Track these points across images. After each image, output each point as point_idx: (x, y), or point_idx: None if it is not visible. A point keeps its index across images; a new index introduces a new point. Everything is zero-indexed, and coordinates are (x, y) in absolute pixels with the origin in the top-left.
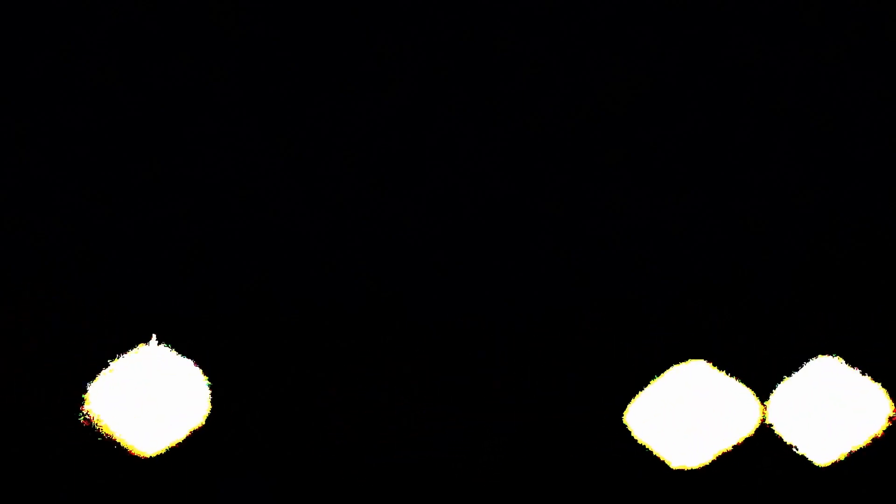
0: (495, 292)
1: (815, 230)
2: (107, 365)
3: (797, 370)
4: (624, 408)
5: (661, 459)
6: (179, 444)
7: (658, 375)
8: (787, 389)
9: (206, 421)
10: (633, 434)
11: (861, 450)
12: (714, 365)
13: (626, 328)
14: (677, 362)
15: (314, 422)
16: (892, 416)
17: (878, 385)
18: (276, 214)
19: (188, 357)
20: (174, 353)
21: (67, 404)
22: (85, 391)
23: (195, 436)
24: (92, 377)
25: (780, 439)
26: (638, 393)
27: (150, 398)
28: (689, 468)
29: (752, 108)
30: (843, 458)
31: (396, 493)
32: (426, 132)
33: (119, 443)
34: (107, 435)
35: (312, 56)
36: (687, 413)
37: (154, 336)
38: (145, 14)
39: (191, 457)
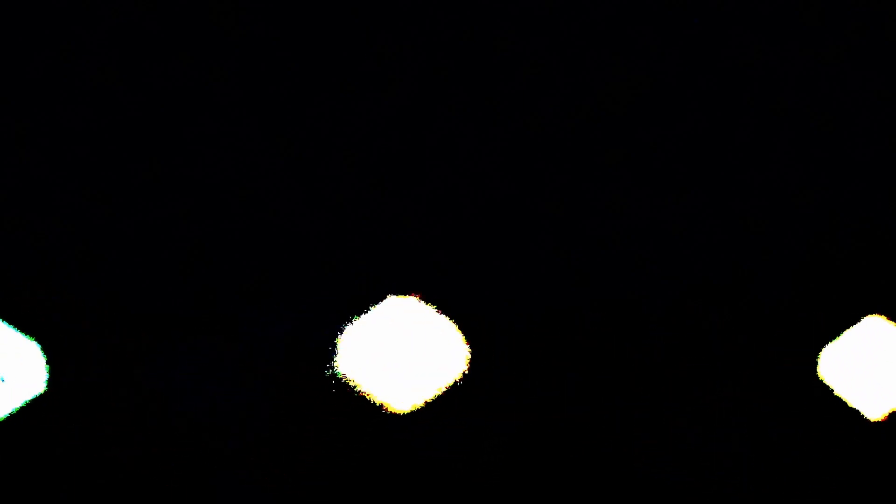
0: (495, 292)
1: (815, 230)
2: (108, 364)
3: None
4: (624, 408)
5: (660, 460)
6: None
7: (658, 375)
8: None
9: (202, 421)
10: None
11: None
12: (713, 364)
13: (626, 328)
14: (677, 362)
15: (313, 422)
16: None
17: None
18: (276, 214)
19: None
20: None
21: (68, 405)
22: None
23: (191, 436)
24: (92, 377)
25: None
26: (637, 393)
27: (400, 353)
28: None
29: (752, 108)
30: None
31: (396, 492)
32: (426, 132)
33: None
34: (359, 393)
35: (312, 56)
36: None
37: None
38: (145, 14)
39: (187, 456)
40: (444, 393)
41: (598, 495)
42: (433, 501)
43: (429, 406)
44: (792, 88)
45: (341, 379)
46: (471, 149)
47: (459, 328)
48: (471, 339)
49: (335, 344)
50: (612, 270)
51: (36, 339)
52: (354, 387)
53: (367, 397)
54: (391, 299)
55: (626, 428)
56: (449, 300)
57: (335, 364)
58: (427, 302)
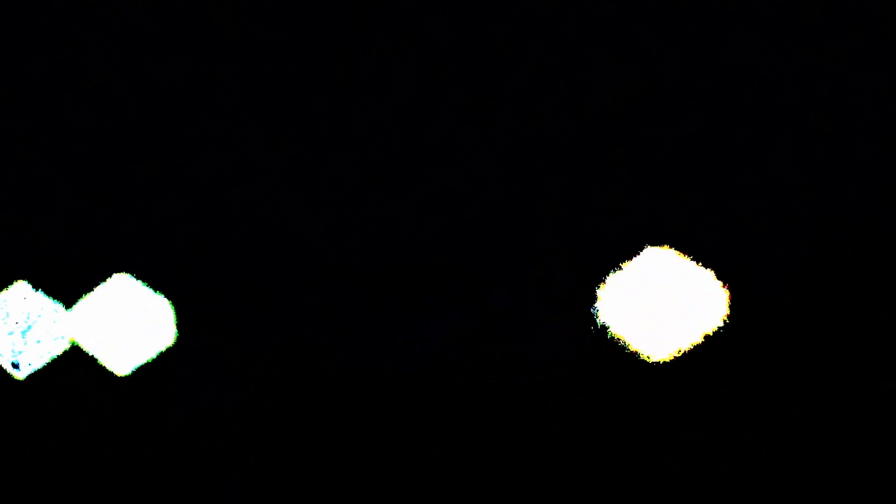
0: (495, 291)
1: (816, 230)
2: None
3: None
4: (624, 406)
5: (660, 460)
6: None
7: (657, 375)
8: None
9: (200, 422)
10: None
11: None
12: (714, 365)
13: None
14: (677, 361)
15: (311, 423)
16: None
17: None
18: (276, 214)
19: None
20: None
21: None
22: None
23: (190, 436)
24: (95, 375)
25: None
26: (637, 392)
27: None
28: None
29: (752, 108)
30: None
31: (393, 490)
32: (426, 132)
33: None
34: (617, 339)
35: (312, 56)
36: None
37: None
38: (145, 14)
39: (183, 457)
40: (703, 342)
41: (599, 495)
42: (433, 500)
43: (687, 355)
44: (792, 88)
45: (600, 328)
46: (471, 149)
47: (717, 277)
48: (731, 289)
49: (592, 297)
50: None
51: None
52: (614, 336)
53: (627, 346)
54: (648, 250)
55: (624, 426)
56: (448, 299)
57: (595, 313)
58: (682, 252)
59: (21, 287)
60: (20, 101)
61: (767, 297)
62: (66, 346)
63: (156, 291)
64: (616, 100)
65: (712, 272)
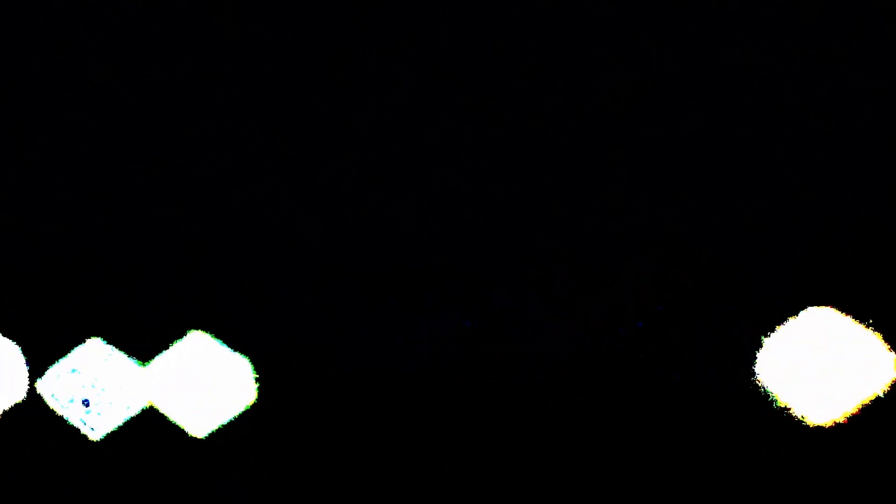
0: (495, 291)
1: (815, 230)
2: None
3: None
4: (625, 407)
5: (665, 459)
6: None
7: (657, 375)
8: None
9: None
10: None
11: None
12: (718, 366)
13: (626, 328)
14: (678, 362)
15: (311, 423)
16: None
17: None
18: (276, 214)
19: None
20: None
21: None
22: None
23: (191, 440)
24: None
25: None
26: (637, 392)
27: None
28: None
29: (752, 108)
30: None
31: (393, 490)
32: (426, 132)
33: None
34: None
35: (312, 56)
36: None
37: None
38: (145, 14)
39: (183, 457)
40: (867, 406)
41: (600, 495)
42: (433, 500)
43: (850, 420)
44: (792, 88)
45: (760, 389)
46: (471, 149)
47: (884, 338)
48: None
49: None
50: (611, 270)
51: (20, 343)
52: (772, 398)
53: (785, 408)
54: (810, 310)
55: (626, 428)
56: (448, 299)
57: (756, 375)
58: (845, 312)
59: (95, 343)
60: (20, 101)
61: (767, 297)
62: (142, 408)
63: (235, 351)
64: (616, 100)
65: (879, 336)
